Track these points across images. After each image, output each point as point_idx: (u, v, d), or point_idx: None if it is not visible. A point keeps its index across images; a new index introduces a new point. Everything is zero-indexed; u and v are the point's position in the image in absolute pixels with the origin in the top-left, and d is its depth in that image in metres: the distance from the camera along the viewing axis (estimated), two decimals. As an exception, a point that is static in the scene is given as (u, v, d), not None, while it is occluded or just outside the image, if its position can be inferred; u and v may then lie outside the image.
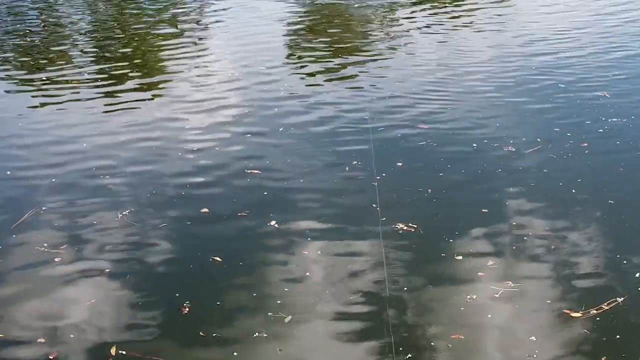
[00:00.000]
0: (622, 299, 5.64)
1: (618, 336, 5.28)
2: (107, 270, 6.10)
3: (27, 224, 6.78)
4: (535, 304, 5.63)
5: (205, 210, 7.00)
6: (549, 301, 5.65)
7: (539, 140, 8.41)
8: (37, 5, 15.74)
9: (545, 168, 7.77)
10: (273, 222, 6.75)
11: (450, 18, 14.53)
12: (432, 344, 5.23)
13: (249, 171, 7.78)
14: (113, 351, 5.16)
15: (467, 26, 13.88)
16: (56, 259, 6.24)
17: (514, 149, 8.21)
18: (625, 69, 11.10)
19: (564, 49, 12.10)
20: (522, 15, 14.47)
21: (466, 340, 5.26)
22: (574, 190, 7.27)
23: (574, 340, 5.25)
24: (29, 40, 13.27)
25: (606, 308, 5.55)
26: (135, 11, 15.39)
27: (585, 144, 8.32)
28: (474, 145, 8.35)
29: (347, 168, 7.79)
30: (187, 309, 5.58)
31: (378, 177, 7.48)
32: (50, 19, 14.84)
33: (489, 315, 5.51)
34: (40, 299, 5.75)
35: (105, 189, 7.42)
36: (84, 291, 5.83)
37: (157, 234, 6.62)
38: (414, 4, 15.64)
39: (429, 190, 7.29)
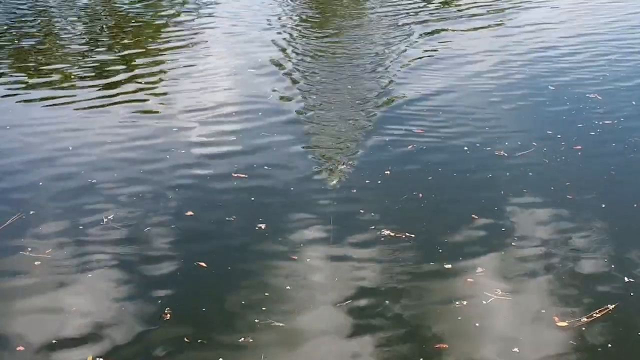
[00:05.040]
0: (613, 305, 5.54)
1: (610, 345, 5.19)
2: (90, 275, 6.01)
3: (11, 229, 6.67)
4: (525, 312, 5.53)
5: (190, 213, 6.90)
6: (539, 309, 5.55)
7: (532, 143, 8.31)
8: (32, 11, 15.62)
9: (537, 172, 7.67)
10: (261, 226, 6.66)
11: (448, 22, 14.45)
12: (416, 353, 5.11)
13: (235, 175, 7.68)
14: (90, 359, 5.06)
15: (464, 31, 13.77)
16: (37, 263, 6.14)
17: (506, 153, 8.11)
18: (615, 70, 11.03)
19: (555, 53, 12.01)
20: (516, 24, 14.37)
21: (450, 349, 5.15)
22: (568, 196, 7.17)
23: (565, 349, 5.15)
24: (25, 43, 13.18)
25: (598, 316, 5.45)
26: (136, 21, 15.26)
27: (578, 147, 8.24)
28: (466, 149, 8.25)
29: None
30: (169, 315, 5.48)
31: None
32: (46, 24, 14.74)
33: (477, 324, 5.40)
34: (21, 305, 5.64)
35: (90, 194, 7.31)
36: (65, 297, 5.73)
37: (141, 238, 6.52)
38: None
39: (420, 196, 7.18)
